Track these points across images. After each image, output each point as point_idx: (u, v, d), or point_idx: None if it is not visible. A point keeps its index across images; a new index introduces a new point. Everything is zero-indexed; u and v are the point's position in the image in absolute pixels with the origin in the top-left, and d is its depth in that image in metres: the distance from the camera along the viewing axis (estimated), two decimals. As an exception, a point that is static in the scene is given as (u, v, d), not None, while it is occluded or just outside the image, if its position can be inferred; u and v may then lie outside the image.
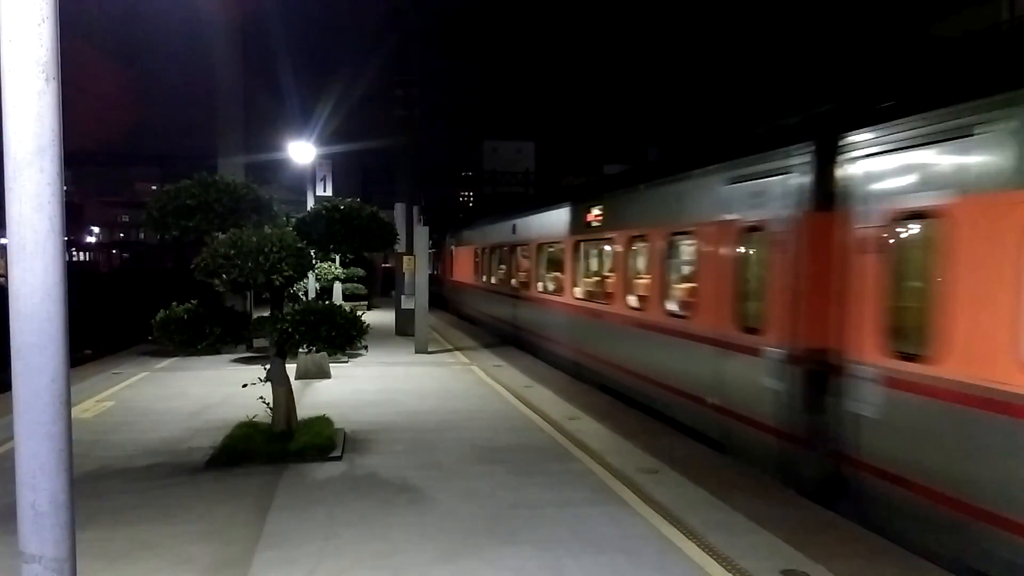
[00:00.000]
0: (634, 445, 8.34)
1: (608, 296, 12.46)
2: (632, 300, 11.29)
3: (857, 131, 6.50)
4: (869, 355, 6.12)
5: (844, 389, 6.42)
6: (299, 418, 8.37)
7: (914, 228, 5.98)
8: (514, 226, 18.86)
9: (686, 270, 9.84)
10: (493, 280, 21.36)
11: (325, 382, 12.46)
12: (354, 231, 8.17)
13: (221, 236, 7.34)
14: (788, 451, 7.18)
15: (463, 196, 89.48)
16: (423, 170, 33.30)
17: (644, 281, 11.09)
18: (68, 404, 2.18)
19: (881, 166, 6.16)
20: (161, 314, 7.68)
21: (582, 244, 13.86)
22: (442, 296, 30.42)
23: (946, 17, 30.67)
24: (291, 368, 8.79)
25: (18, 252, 2.13)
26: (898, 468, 5.78)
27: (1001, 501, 4.86)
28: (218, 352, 12.64)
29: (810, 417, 6.85)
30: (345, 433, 8.63)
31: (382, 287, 34.52)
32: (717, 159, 8.96)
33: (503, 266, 20.37)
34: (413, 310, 17.03)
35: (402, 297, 19.38)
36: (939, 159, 5.58)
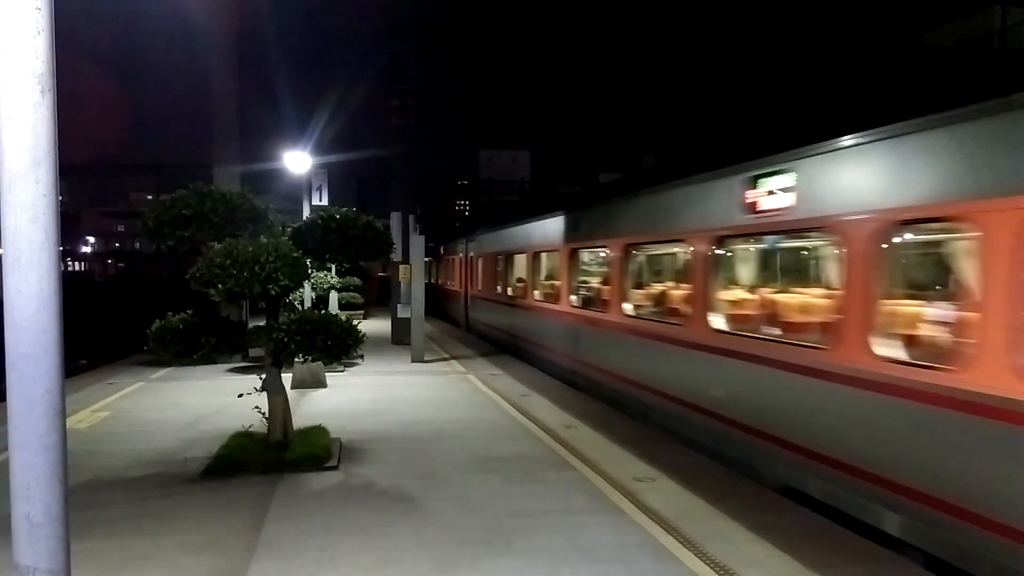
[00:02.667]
0: (631, 453, 8.34)
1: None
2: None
3: None
4: None
5: None
6: (295, 428, 8.36)
7: None
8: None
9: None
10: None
11: (321, 391, 12.44)
12: (350, 240, 8.17)
13: (217, 246, 7.34)
14: None
15: (459, 205, 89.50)
16: (419, 179, 33.32)
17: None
18: (63, 415, 2.18)
19: None
20: (157, 324, 7.67)
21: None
22: (440, 307, 30.42)
23: (940, 25, 30.85)
24: (287, 378, 8.78)
25: (13, 263, 2.13)
26: None
27: None
28: (214, 362, 12.64)
29: None
30: (341, 443, 8.61)
31: (378, 296, 34.49)
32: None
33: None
34: (409, 319, 17.03)
35: (398, 306, 19.38)
36: None
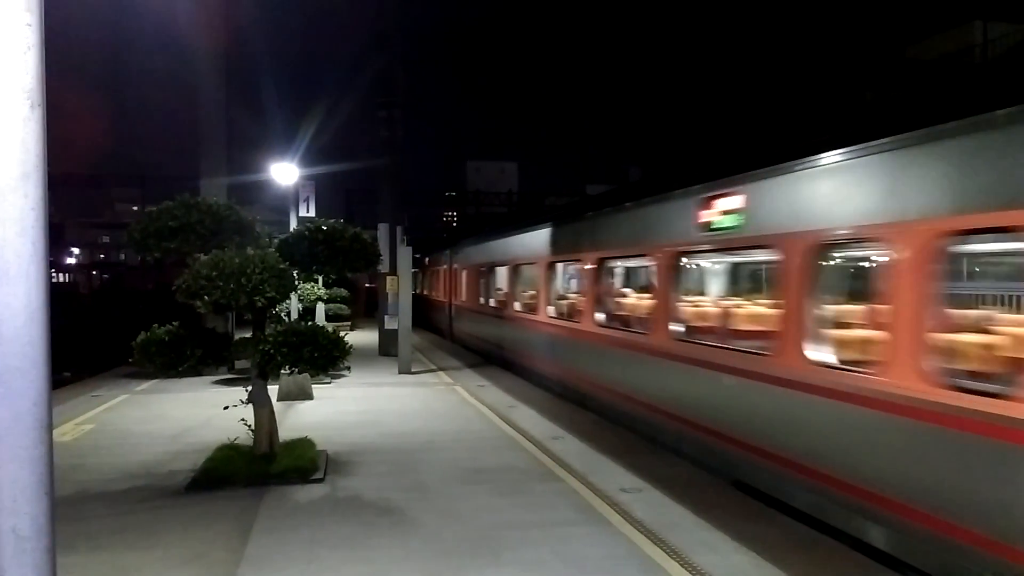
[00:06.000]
0: (618, 464, 8.36)
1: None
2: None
3: None
4: None
5: None
6: (281, 440, 8.33)
7: None
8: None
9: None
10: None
11: (308, 403, 12.40)
12: (337, 252, 8.19)
13: (203, 257, 7.33)
14: None
15: (447, 216, 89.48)
16: (406, 190, 33.35)
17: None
18: (50, 428, 2.18)
19: None
20: (141, 336, 7.64)
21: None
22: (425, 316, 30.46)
23: (921, 40, 31.24)
24: (273, 390, 8.76)
25: (1, 276, 2.14)
26: None
27: None
28: (199, 374, 12.53)
29: None
30: (328, 455, 8.58)
31: (366, 307, 34.41)
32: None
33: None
34: (396, 330, 17.01)
35: (385, 317, 19.35)
36: None
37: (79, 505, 6.90)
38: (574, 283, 15.24)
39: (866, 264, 8.21)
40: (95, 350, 22.61)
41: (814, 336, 6.61)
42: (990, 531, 4.79)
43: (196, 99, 17.75)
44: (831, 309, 7.32)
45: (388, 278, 18.77)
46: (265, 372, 7.92)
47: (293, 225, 15.27)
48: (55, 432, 10.18)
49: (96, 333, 27.25)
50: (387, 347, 19.04)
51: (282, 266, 7.58)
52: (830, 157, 6.50)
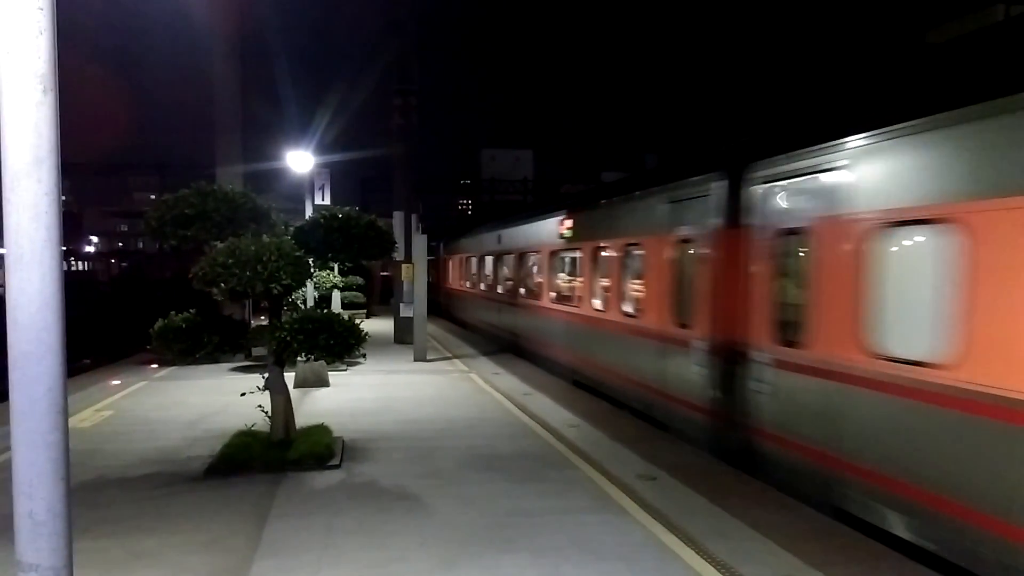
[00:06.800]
0: (633, 452, 8.34)
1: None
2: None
3: None
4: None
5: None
6: (297, 427, 8.37)
7: None
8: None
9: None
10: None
11: (324, 390, 12.46)
12: (352, 239, 8.18)
13: (219, 245, 7.35)
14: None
15: (462, 204, 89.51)
16: (421, 178, 33.34)
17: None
18: (65, 413, 2.19)
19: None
20: (159, 323, 7.68)
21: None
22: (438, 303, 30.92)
23: (941, 24, 30.77)
24: (290, 377, 8.79)
25: (15, 262, 2.14)
26: None
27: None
28: (217, 361, 12.65)
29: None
30: (343, 441, 8.62)
31: (381, 295, 34.51)
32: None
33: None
34: (412, 318, 17.04)
35: (400, 305, 19.39)
36: None
37: (97, 491, 6.97)
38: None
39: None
40: (114, 338, 22.81)
41: None
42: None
43: (213, 87, 17.79)
44: None
45: (403, 266, 18.79)
46: (281, 359, 7.94)
47: (308, 213, 15.31)
48: (74, 419, 10.33)
49: (115, 321, 27.49)
50: (403, 335, 19.09)
51: (298, 253, 7.59)
52: None
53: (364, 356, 15.86)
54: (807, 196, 7.01)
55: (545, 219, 15.85)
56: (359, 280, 24.65)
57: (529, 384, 13.11)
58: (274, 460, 7.65)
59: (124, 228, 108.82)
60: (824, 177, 6.71)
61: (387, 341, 19.79)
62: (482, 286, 22.97)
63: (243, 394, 8.48)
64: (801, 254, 7.16)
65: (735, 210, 8.17)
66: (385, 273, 34.87)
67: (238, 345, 8.22)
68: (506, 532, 5.89)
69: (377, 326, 22.93)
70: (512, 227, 19.09)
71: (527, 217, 18.00)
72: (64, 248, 2.28)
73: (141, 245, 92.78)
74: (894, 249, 5.92)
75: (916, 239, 5.81)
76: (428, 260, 18.66)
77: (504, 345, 18.86)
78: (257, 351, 13.14)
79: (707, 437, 8.62)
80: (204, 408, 10.82)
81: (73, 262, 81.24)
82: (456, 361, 16.52)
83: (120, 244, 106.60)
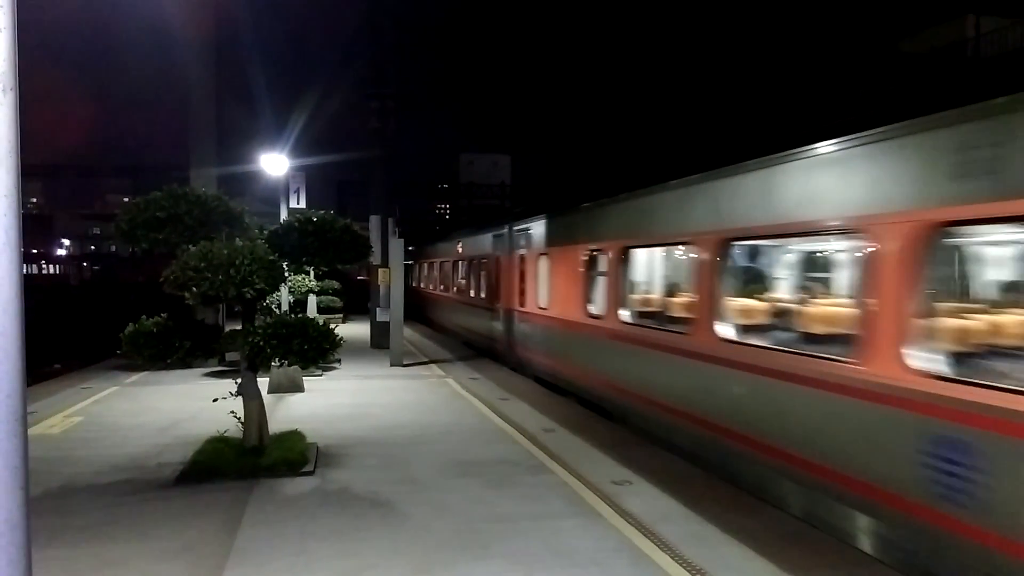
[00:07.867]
0: (609, 457, 8.35)
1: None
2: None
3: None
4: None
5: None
6: (271, 433, 8.28)
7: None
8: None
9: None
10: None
11: (298, 396, 12.36)
12: (327, 244, 8.13)
13: (192, 249, 7.27)
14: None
15: (439, 208, 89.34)
16: (399, 182, 33.34)
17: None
18: (24, 421, 2.13)
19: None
20: (130, 328, 7.57)
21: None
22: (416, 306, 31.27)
23: (915, 35, 31.20)
24: (263, 382, 8.71)
25: (-25, 265, 2.09)
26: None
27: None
28: (189, 366, 12.46)
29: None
30: (318, 448, 8.55)
31: (358, 300, 34.33)
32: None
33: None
34: (388, 323, 16.95)
35: (377, 310, 19.28)
36: None
37: (66, 498, 6.84)
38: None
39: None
40: (85, 342, 22.48)
41: None
42: None
43: (187, 89, 17.63)
44: None
45: (380, 270, 18.70)
46: (255, 364, 7.86)
47: (284, 217, 15.18)
48: (43, 425, 10.15)
49: (86, 325, 27.10)
50: (379, 339, 18.99)
51: (272, 257, 7.52)
52: None
53: (339, 361, 15.75)
54: (524, 239, 15.37)
55: (455, 239, 24.32)
56: (335, 284, 24.50)
57: (505, 390, 13.09)
58: (247, 467, 7.56)
59: (97, 231, 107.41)
60: (526, 232, 15.29)
61: (364, 346, 19.68)
62: (441, 288, 28.72)
63: (216, 400, 8.37)
64: (528, 264, 15.11)
65: (510, 243, 16.40)
66: (362, 277, 34.75)
67: (210, 350, 8.14)
68: (481, 538, 5.87)
69: (354, 330, 22.80)
70: (444, 242, 27.38)
71: (453, 235, 25.83)
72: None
73: (114, 248, 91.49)
74: (541, 263, 14.14)
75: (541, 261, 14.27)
76: (405, 264, 19.03)
77: (437, 329, 26.17)
78: (231, 356, 13.01)
79: (500, 354, 16.93)
80: (176, 414, 10.68)
81: (44, 265, 80.00)
82: (433, 366, 16.47)
83: (92, 247, 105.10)
